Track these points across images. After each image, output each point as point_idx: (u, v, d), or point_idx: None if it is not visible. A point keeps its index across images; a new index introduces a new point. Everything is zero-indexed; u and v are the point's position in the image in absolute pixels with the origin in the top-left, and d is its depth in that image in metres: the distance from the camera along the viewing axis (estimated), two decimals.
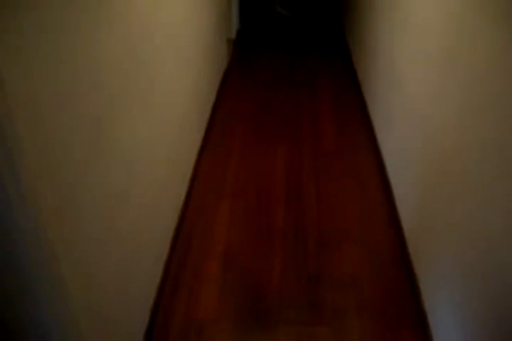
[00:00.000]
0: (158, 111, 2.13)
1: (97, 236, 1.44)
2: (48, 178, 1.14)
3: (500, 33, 1.42)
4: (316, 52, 4.82)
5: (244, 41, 4.97)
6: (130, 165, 1.73)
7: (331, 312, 2.11)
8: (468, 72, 1.67)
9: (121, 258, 1.67)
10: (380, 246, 2.47)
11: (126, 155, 1.68)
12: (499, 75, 1.42)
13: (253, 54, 4.78)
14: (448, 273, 1.80)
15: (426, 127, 2.15)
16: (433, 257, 1.98)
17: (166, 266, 2.29)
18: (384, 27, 3.19)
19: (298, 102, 3.84)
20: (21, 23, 1.01)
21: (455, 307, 1.72)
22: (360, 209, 2.72)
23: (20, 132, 1.01)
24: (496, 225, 1.42)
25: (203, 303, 2.15)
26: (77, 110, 1.28)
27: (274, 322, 2.07)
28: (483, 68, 1.54)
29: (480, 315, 1.52)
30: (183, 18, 2.70)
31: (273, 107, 3.78)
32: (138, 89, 1.81)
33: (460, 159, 1.72)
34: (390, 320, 2.08)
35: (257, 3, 5.31)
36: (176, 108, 2.52)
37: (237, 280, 2.27)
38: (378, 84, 3.29)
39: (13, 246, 1.09)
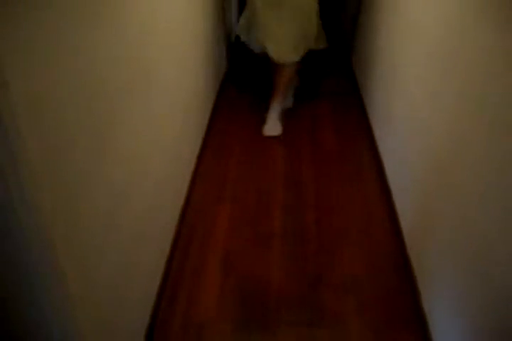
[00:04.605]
0: (159, 111, 2.13)
1: (98, 237, 1.44)
2: (50, 178, 1.14)
3: (501, 34, 1.43)
4: (314, 56, 4.82)
5: (243, 46, 4.97)
6: (131, 166, 1.74)
7: (331, 313, 2.11)
8: (467, 74, 1.68)
9: (121, 259, 1.67)
10: (379, 248, 2.47)
11: (127, 156, 1.69)
12: (499, 78, 1.43)
13: (252, 57, 4.78)
14: (448, 276, 1.80)
15: (424, 130, 2.15)
16: (433, 259, 1.99)
17: (167, 267, 2.28)
18: (384, 31, 3.21)
19: (297, 105, 3.85)
20: (23, 22, 1.01)
21: (455, 310, 1.72)
22: (359, 211, 2.72)
23: (23, 133, 1.01)
24: (495, 227, 1.42)
25: (203, 304, 2.15)
26: (78, 110, 1.28)
27: (273, 324, 2.07)
28: (484, 71, 1.55)
29: (480, 318, 1.52)
30: (183, 20, 2.71)
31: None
32: (138, 89, 1.81)
33: (458, 162, 1.72)
34: (389, 322, 2.08)
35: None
36: (177, 109, 2.53)
37: (237, 282, 2.26)
38: (378, 87, 3.30)
39: (15, 246, 1.09)
